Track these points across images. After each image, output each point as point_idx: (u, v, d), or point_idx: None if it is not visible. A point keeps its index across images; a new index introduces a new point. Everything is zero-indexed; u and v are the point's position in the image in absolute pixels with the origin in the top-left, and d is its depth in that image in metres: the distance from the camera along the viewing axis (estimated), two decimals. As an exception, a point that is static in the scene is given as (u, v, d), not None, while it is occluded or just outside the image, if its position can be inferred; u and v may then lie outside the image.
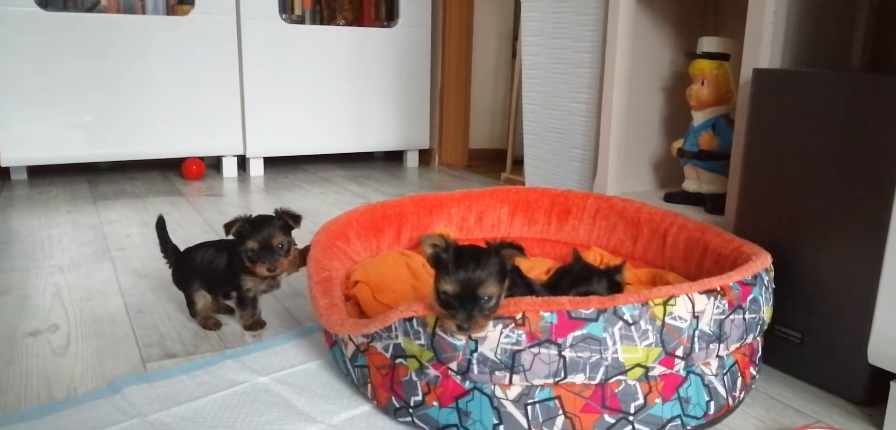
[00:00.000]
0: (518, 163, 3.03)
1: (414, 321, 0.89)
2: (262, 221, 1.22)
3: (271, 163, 3.07)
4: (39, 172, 2.77)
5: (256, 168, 2.94)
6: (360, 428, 0.96)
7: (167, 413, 0.98)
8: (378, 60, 3.08)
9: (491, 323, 0.85)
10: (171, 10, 2.74)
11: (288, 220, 1.24)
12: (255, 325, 1.30)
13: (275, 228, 1.22)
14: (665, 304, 0.88)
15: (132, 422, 0.96)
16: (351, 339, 1.02)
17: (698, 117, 1.60)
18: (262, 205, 2.39)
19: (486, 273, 0.86)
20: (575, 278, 1.18)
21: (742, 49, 1.34)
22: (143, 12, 2.70)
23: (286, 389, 1.06)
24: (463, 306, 0.85)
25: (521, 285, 1.03)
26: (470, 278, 0.86)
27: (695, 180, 1.62)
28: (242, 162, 2.96)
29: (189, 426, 0.95)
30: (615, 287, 1.16)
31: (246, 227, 1.21)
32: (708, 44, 1.57)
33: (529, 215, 1.61)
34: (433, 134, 3.32)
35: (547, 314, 0.84)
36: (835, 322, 1.07)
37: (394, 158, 3.46)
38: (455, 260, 0.87)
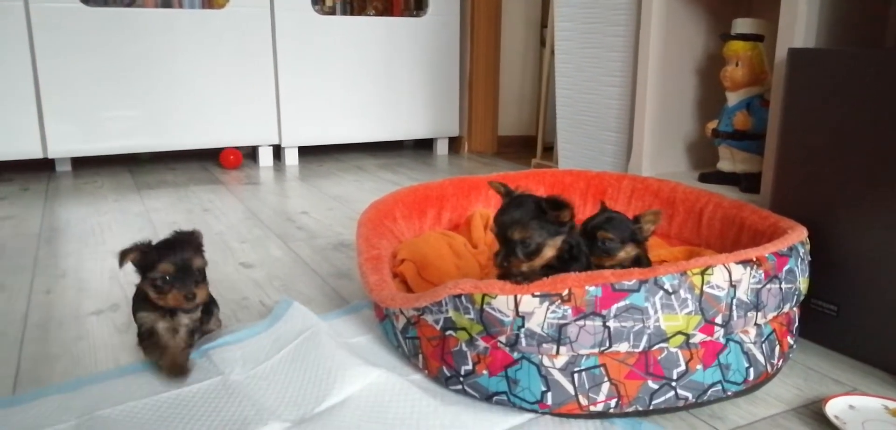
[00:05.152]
0: (548, 149, 3.07)
1: (462, 298, 0.93)
2: (175, 241, 1.05)
3: (305, 152, 3.14)
4: (82, 164, 2.87)
5: (291, 157, 3.01)
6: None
7: (242, 372, 1.05)
8: (408, 50, 3.13)
9: (535, 281, 0.90)
10: (207, 4, 2.81)
11: (200, 240, 1.08)
12: (174, 369, 1.03)
13: (191, 249, 1.05)
14: (703, 273, 0.91)
15: (215, 380, 1.03)
16: (402, 312, 1.07)
17: (733, 98, 1.62)
18: (299, 192, 2.45)
19: (520, 216, 0.95)
20: (594, 226, 1.13)
21: (776, 30, 1.36)
22: (181, 7, 2.77)
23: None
24: (503, 247, 0.96)
25: (582, 256, 1.03)
26: (503, 222, 0.96)
27: (729, 160, 1.65)
28: (278, 151, 3.03)
29: (262, 382, 1.02)
30: (630, 234, 1.11)
31: (151, 252, 1.03)
32: (742, 25, 1.59)
33: (565, 196, 1.64)
34: (462, 122, 3.36)
35: (592, 289, 0.88)
36: (871, 294, 1.09)
37: (424, 146, 3.51)
38: (502, 207, 0.99)
